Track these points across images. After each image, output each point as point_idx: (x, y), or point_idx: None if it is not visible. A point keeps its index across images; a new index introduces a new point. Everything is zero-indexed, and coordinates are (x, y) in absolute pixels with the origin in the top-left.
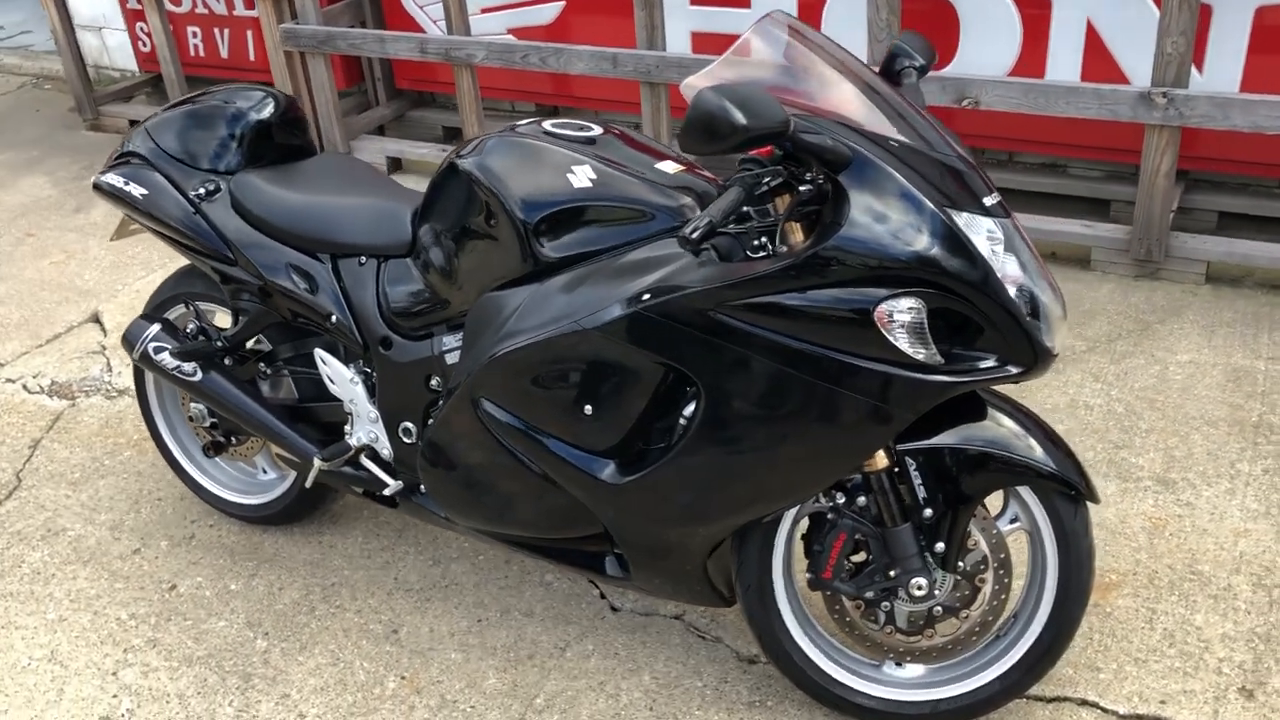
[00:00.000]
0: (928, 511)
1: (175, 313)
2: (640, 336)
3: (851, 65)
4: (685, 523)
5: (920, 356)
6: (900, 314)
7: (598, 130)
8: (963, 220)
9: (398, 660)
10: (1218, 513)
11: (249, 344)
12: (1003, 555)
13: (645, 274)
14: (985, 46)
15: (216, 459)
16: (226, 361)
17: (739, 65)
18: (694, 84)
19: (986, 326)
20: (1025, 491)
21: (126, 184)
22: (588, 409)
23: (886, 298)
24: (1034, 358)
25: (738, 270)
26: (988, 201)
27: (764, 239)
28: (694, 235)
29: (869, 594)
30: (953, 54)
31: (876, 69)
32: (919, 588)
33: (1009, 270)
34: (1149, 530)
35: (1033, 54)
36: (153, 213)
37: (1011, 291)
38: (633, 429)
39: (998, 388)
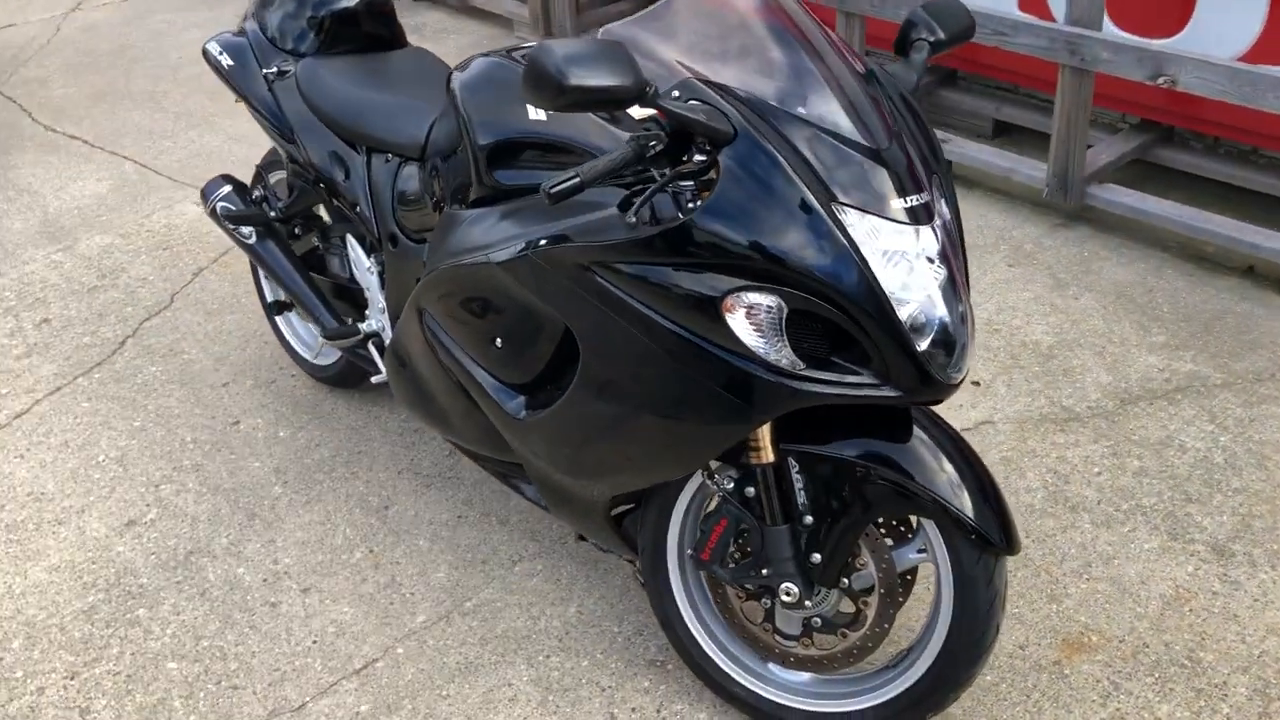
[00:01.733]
0: (808, 519)
1: (274, 176)
2: (531, 280)
3: (805, 29)
4: (572, 474)
5: (771, 357)
6: (751, 309)
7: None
8: (854, 220)
9: (374, 534)
10: (1263, 600)
11: (325, 219)
12: (891, 583)
13: (560, 219)
14: (1222, 20)
15: (286, 315)
16: (297, 231)
17: (664, 18)
18: (611, 31)
19: (862, 339)
20: (930, 525)
21: (221, 53)
22: (498, 342)
23: (739, 289)
24: (917, 383)
25: (612, 233)
26: (900, 204)
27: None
28: (553, 190)
29: (745, 585)
30: (1184, 22)
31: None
32: (788, 593)
33: (910, 282)
34: (1167, 599)
35: (1277, 35)
36: (236, 84)
37: (906, 308)
38: (545, 370)
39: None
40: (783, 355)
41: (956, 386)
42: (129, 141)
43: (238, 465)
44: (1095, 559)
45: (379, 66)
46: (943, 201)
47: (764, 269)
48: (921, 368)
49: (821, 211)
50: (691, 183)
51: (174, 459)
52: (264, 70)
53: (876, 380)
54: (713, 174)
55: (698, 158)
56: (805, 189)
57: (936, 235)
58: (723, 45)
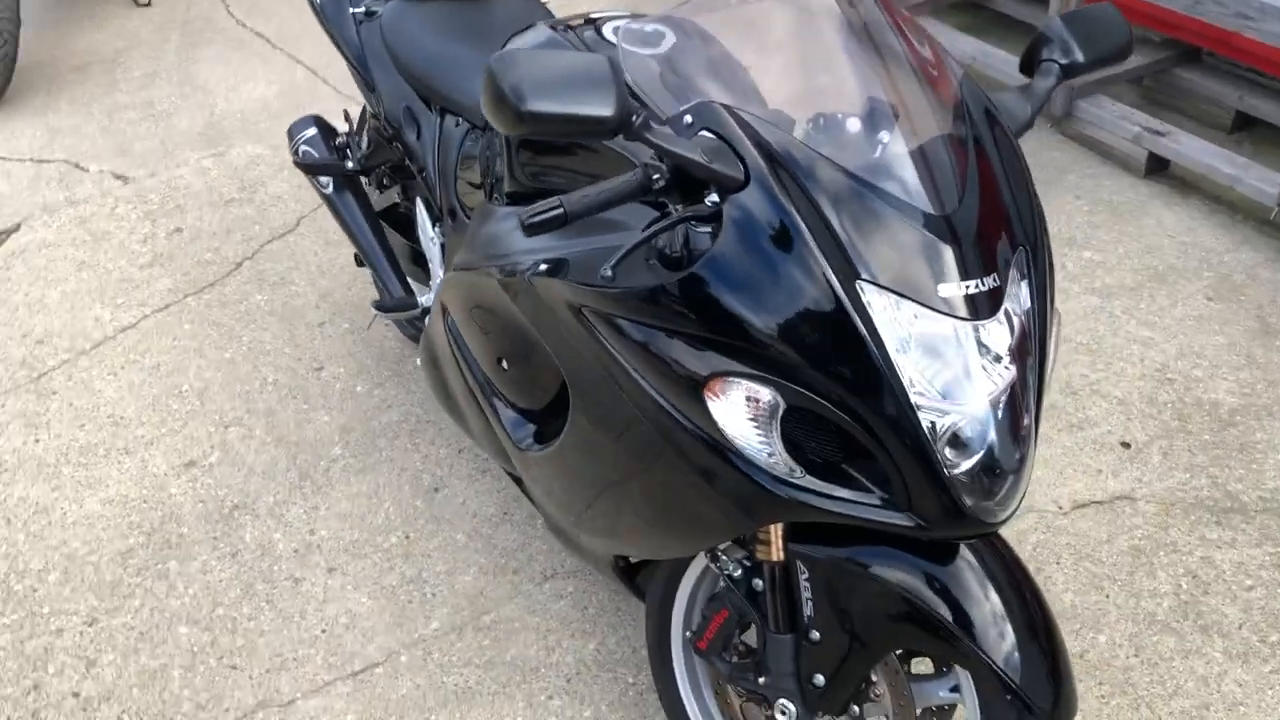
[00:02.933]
0: (814, 634)
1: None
2: (527, 306)
3: (886, 40)
4: (569, 522)
5: (759, 459)
6: (742, 397)
7: (670, 41)
8: (882, 304)
9: (416, 519)
10: None
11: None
12: None
13: (567, 240)
14: None
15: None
16: (386, 182)
17: (716, 10)
18: (628, 30)
19: (878, 454)
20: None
21: None
22: (504, 363)
23: (728, 373)
24: (945, 515)
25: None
26: (956, 288)
27: None
28: (529, 222)
29: (743, 686)
30: None
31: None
32: (784, 711)
33: (956, 387)
34: None
35: None
36: (323, 19)
37: (946, 419)
38: (552, 404)
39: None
40: (775, 458)
41: (998, 526)
42: (309, 44)
43: (307, 417)
44: (1217, 702)
45: (474, 14)
46: (1024, 284)
47: (758, 352)
48: (954, 497)
49: (839, 289)
50: (709, 227)
51: (250, 400)
52: (353, 9)
53: (894, 505)
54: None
55: (711, 198)
56: (823, 259)
57: (1009, 329)
58: (774, 54)
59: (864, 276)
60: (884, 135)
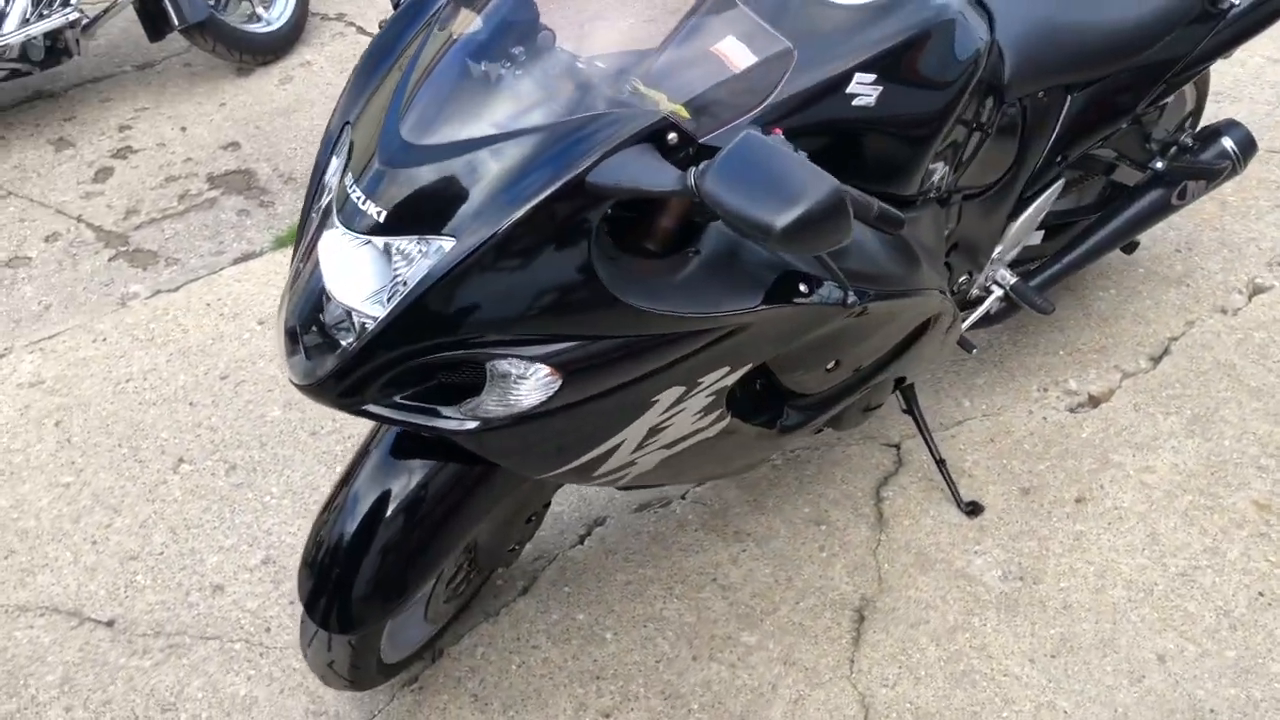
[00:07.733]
0: None
1: None
2: None
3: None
4: None
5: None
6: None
7: None
8: (339, 148)
9: None
10: None
11: None
12: None
13: None
14: None
15: None
16: None
17: None
18: None
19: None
20: None
21: None
22: None
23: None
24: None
25: None
26: (350, 184)
27: None
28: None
29: None
30: None
31: None
32: None
33: (317, 250)
34: None
35: None
36: None
37: (308, 267)
38: None
39: None
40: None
41: (307, 390)
42: None
43: None
44: None
45: None
46: (421, 263)
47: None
48: (283, 320)
49: (340, 108)
50: None
51: None
52: None
53: None
54: None
55: None
56: (377, 84)
57: (371, 264)
58: None
59: (349, 120)
60: (525, 67)
